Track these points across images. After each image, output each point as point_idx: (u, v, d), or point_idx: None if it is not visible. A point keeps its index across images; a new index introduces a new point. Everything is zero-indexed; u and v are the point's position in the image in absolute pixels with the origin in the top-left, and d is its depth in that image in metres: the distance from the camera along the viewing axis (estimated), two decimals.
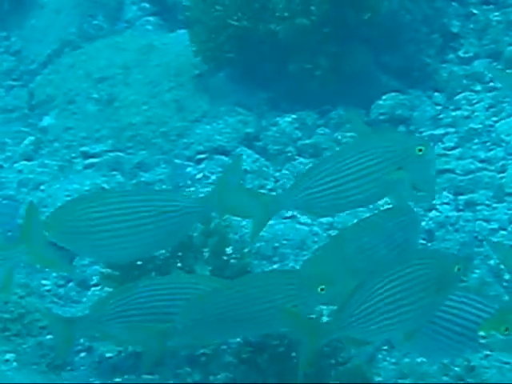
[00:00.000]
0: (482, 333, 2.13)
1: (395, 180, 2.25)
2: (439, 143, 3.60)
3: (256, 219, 2.33)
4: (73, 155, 3.62)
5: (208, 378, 2.44)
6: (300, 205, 2.29)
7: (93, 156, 3.59)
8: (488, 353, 2.36)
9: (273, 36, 3.65)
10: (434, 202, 3.37)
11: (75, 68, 3.97)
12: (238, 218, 2.81)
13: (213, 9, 3.71)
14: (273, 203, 2.31)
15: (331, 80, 3.63)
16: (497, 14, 3.78)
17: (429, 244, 3.20)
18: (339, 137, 3.64)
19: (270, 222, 3.39)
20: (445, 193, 3.41)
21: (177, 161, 3.59)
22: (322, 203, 2.28)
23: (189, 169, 3.55)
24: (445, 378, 2.26)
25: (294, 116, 3.69)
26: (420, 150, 2.24)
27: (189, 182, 3.50)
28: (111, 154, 3.59)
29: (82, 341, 2.74)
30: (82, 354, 2.73)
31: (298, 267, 3.23)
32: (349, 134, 3.61)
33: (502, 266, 3.08)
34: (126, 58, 3.95)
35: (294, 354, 2.43)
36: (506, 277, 3.05)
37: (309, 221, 3.38)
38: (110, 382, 2.58)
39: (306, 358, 2.14)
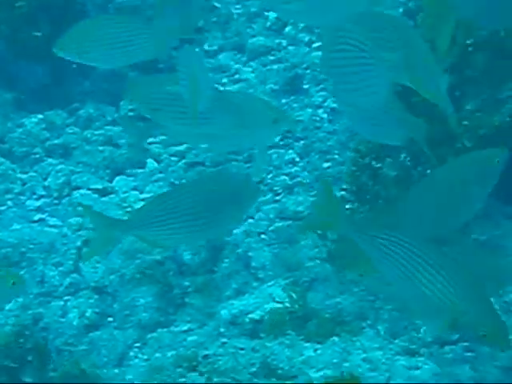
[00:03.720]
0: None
1: None
2: None
3: None
4: None
5: None
6: None
7: None
8: (225, 340, 2.40)
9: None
10: None
11: None
12: None
13: None
14: None
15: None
16: (238, 6, 3.85)
17: None
18: (89, 135, 3.59)
19: (16, 227, 3.32)
20: None
21: None
22: None
23: None
24: (179, 370, 2.27)
25: (40, 116, 3.61)
26: None
27: None
28: None
29: None
30: None
31: (46, 271, 3.17)
32: (97, 132, 3.57)
33: (251, 254, 3.16)
34: None
35: None
36: (254, 264, 3.12)
37: (59, 223, 3.31)
38: None
39: None
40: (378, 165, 2.93)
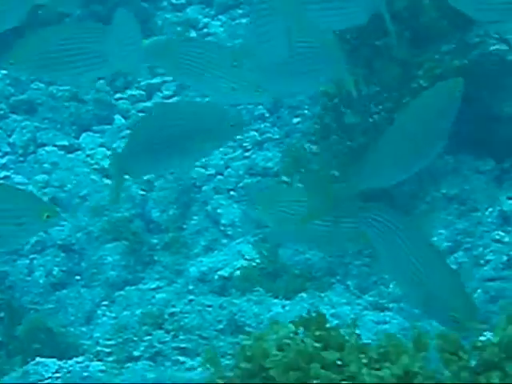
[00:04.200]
0: None
1: None
2: (158, 92, 3.57)
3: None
4: None
5: None
6: None
7: None
8: (192, 298, 2.37)
9: None
10: None
11: None
12: None
13: None
14: None
15: None
16: None
17: (146, 194, 3.18)
18: (54, 91, 3.52)
19: None
20: None
21: None
22: None
23: None
24: (144, 328, 2.25)
25: (4, 72, 3.53)
26: None
27: None
28: None
29: None
30: None
31: None
32: (62, 88, 3.50)
33: (220, 211, 3.12)
34: None
35: None
36: (223, 221, 3.09)
37: (24, 180, 3.26)
38: None
39: None
40: (346, 110, 2.89)
